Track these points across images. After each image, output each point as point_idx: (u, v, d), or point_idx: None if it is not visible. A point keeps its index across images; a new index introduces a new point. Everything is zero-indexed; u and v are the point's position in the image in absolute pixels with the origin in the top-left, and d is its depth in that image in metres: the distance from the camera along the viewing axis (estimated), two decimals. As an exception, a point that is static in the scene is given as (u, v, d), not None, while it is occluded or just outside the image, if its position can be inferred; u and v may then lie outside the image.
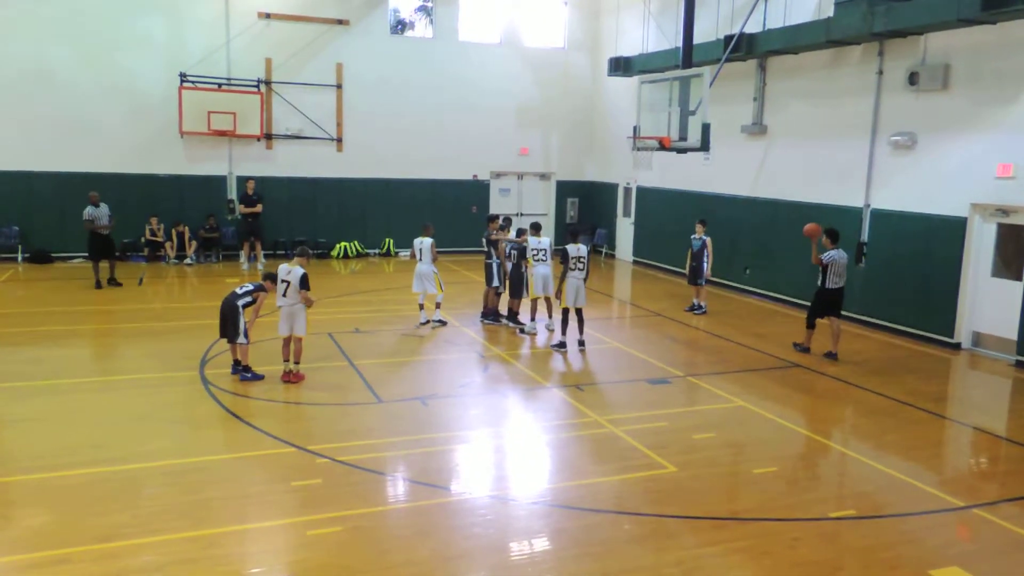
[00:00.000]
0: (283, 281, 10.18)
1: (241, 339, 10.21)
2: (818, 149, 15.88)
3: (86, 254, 16.93)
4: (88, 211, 16.32)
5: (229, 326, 10.19)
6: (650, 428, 9.02)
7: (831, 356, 12.31)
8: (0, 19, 18.32)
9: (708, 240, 15.50)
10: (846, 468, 8.35)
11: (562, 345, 12.47)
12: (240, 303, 10.14)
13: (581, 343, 12.42)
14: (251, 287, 10.34)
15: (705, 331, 14.16)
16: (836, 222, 15.27)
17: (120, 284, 16.47)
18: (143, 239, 19.68)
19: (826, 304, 12.33)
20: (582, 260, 12.37)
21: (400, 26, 22.52)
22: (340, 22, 21.09)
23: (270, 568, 5.97)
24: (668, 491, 7.38)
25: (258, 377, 10.27)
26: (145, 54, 19.46)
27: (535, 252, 13.08)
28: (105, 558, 5.91)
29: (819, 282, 12.31)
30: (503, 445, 8.74)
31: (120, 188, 19.35)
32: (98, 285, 16.13)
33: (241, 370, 10.32)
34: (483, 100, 22.70)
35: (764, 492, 7.45)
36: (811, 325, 12.59)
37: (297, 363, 10.41)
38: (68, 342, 12.12)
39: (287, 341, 10.35)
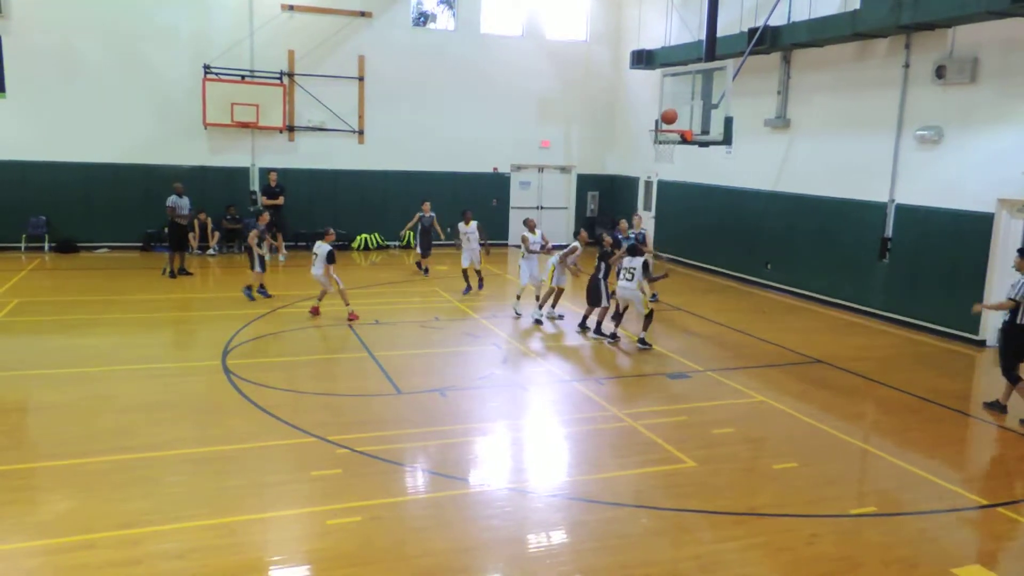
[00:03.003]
0: (314, 253, 13.21)
1: (257, 268, 14.29)
2: (842, 143, 15.70)
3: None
4: (171, 200, 16.84)
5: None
6: (669, 422, 9.00)
7: (997, 407, 9.81)
8: (29, 11, 18.54)
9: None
10: (867, 465, 8.28)
11: (614, 336, 12.70)
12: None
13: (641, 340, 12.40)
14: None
15: (726, 326, 14.08)
16: (860, 217, 15.14)
17: (191, 274, 16.91)
18: (165, 229, 19.83)
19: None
20: (632, 271, 12.26)
21: (422, 19, 22.52)
22: (363, 14, 21.14)
23: (290, 556, 6.03)
24: (687, 485, 7.36)
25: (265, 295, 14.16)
26: (170, 46, 19.62)
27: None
28: (128, 544, 6.00)
29: (1014, 318, 9.36)
30: (521, 437, 8.76)
31: (145, 179, 19.59)
32: (171, 274, 16.41)
33: (245, 289, 14.28)
34: (504, 93, 22.67)
35: (783, 488, 7.40)
36: (1015, 378, 9.47)
37: (347, 304, 13.25)
38: (93, 331, 12.28)
39: (322, 294, 13.51)
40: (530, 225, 14.44)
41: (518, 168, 23.59)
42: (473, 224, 16.04)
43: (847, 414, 9.74)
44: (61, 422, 8.46)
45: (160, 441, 7.99)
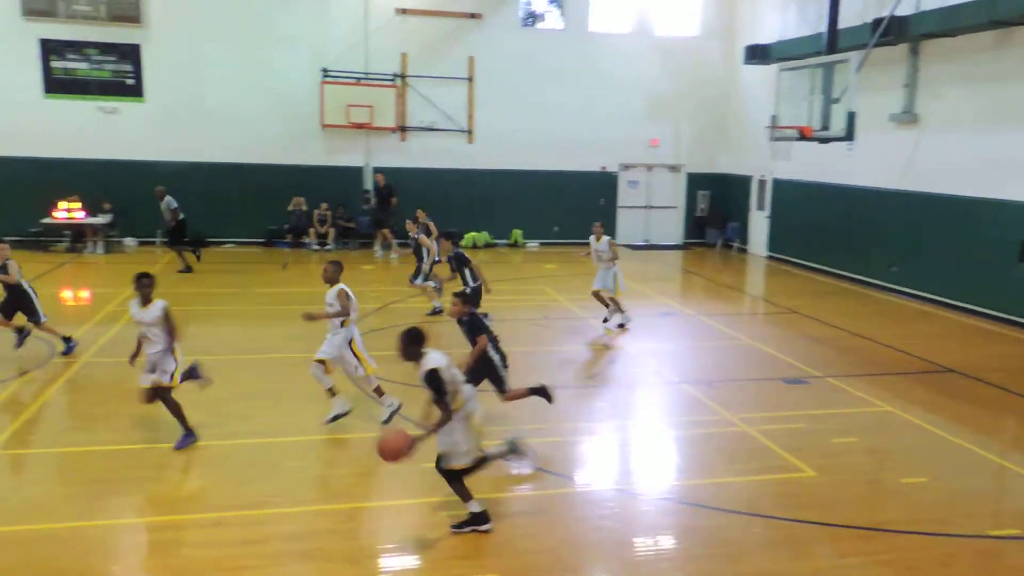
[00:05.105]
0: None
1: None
2: (978, 139, 14.66)
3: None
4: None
5: None
6: (785, 429, 8.65)
7: None
8: (166, 21, 19.76)
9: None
10: (1006, 483, 7.71)
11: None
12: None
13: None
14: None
15: (847, 331, 13.42)
16: (997, 217, 14.13)
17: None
18: (286, 226, 20.76)
19: None
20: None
21: (531, 19, 22.62)
22: (472, 16, 21.42)
23: (402, 545, 6.15)
24: (805, 496, 7.05)
25: None
26: (291, 51, 20.47)
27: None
28: (252, 524, 6.29)
29: None
30: (629, 439, 8.64)
31: (266, 178, 20.53)
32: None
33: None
34: (613, 91, 22.45)
35: (912, 503, 6.98)
36: None
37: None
38: (219, 321, 12.96)
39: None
40: (596, 231, 13.08)
41: (626, 167, 23.32)
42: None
43: (983, 427, 9.09)
44: (189, 406, 8.91)
45: (281, 427, 8.34)
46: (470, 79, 21.68)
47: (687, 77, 22.97)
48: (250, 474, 7.20)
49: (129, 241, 20.16)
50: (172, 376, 7.64)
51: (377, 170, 20.76)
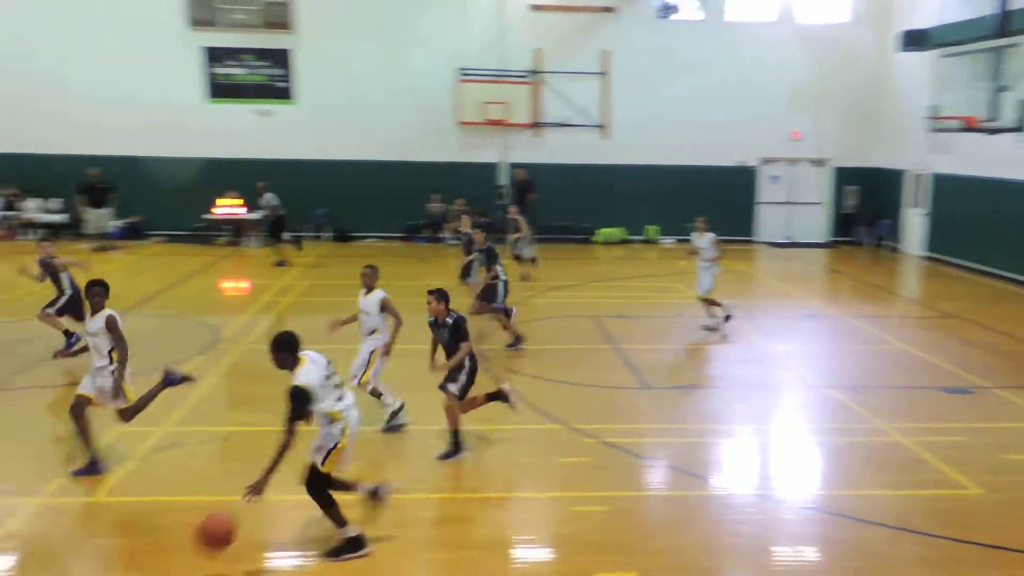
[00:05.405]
0: None
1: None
2: None
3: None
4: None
5: None
6: (945, 441, 8.05)
7: None
8: (315, 27, 20.83)
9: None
10: None
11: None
12: None
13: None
14: None
15: (1018, 339, 12.30)
16: None
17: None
18: (423, 222, 21.39)
19: None
20: None
21: (665, 10, 22.17)
22: (607, 10, 21.26)
23: (537, 537, 6.22)
24: (967, 514, 6.55)
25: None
26: (427, 51, 21.04)
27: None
28: (398, 507, 6.54)
29: None
30: (770, 443, 8.32)
31: (405, 174, 21.23)
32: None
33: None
34: (752, 82, 21.63)
35: (1095, 529, 6.33)
36: None
37: None
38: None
39: None
40: (699, 227, 12.38)
41: (766, 161, 22.44)
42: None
43: None
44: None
45: (422, 416, 8.59)
46: (604, 73, 21.54)
47: (833, 66, 21.79)
48: (397, 459, 7.50)
49: (283, 234, 21.35)
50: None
51: (514, 166, 21.02)
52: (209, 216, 20.45)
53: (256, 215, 20.21)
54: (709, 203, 21.42)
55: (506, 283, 11.59)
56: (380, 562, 5.75)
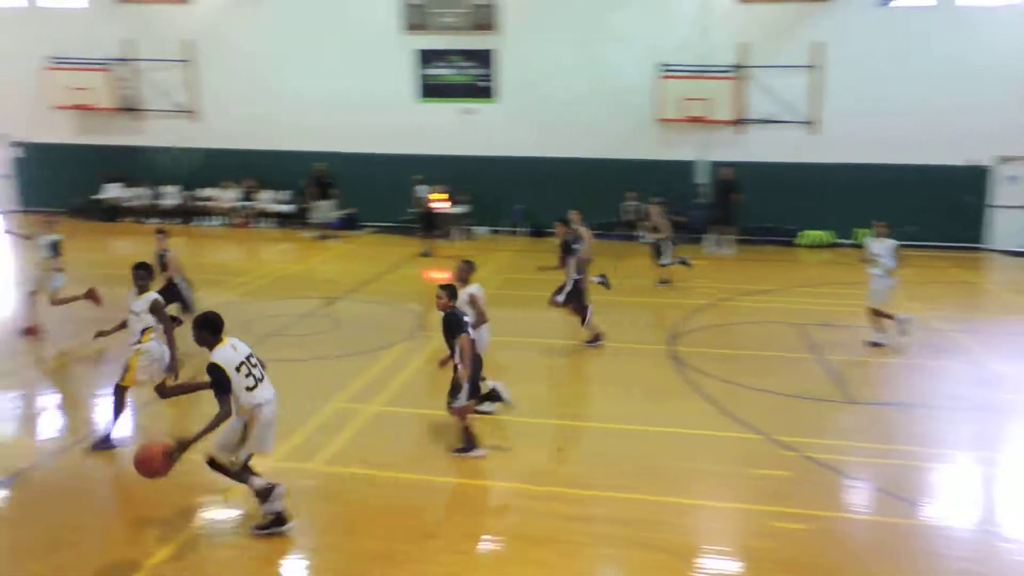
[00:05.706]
0: None
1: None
2: None
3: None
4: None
5: None
6: None
7: None
8: (518, 27, 21.37)
9: None
10: None
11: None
12: None
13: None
14: None
15: None
16: None
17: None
18: (617, 220, 21.31)
19: None
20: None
21: (888, -3, 20.44)
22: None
23: (732, 549, 6.04)
24: None
25: None
26: (625, 46, 20.83)
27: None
28: (582, 502, 6.68)
29: None
30: (996, 474, 7.48)
31: (601, 171, 21.25)
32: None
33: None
34: (986, 72, 19.37)
35: None
36: None
37: None
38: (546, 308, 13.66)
39: None
40: (878, 230, 11.43)
41: (1005, 160, 20.09)
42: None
43: None
44: (515, 388, 9.40)
45: (611, 413, 8.62)
46: (814, 67, 20.29)
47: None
48: (583, 456, 7.59)
49: (481, 229, 22.18)
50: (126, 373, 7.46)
51: (720, 165, 20.37)
52: (414, 210, 21.64)
53: (460, 209, 21.13)
54: (930, 205, 19.69)
55: (576, 282, 11.13)
56: (565, 556, 5.84)
